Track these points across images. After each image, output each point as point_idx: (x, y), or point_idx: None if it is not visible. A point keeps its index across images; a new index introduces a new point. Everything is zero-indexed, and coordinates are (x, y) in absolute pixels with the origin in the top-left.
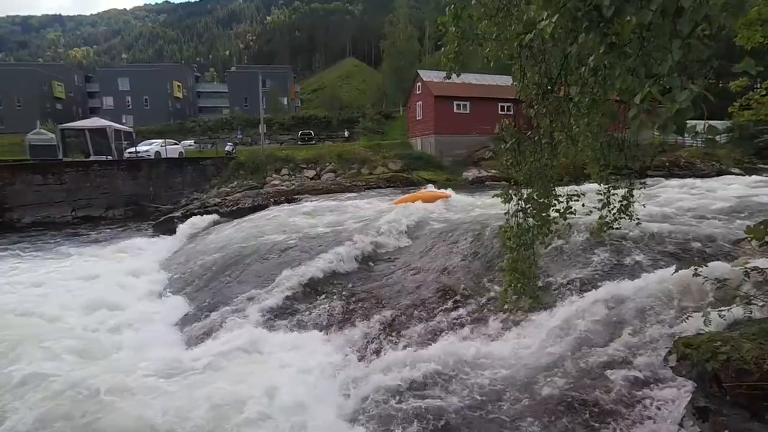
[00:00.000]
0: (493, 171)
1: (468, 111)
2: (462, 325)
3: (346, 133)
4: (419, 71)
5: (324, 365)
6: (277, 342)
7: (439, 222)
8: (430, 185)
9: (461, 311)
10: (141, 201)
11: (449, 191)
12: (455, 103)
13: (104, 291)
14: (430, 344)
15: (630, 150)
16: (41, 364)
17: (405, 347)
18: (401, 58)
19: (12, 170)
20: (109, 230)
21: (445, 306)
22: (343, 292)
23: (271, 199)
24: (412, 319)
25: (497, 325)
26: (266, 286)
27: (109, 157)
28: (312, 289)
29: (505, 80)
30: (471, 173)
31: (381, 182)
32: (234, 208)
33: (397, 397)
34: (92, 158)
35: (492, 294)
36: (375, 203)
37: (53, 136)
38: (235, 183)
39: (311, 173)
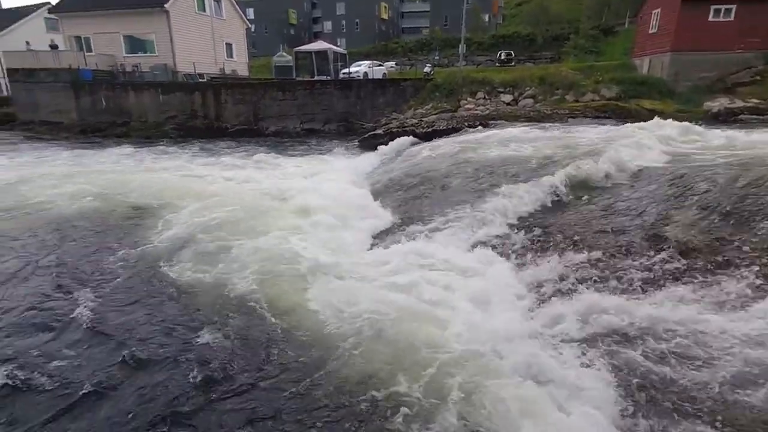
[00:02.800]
0: (755, 100)
1: (732, 17)
2: (679, 282)
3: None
4: None
5: (507, 295)
6: (460, 262)
7: (671, 159)
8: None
9: (681, 266)
10: (350, 118)
11: None
12: (713, 7)
13: (319, 197)
14: (636, 295)
15: None
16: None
17: (602, 293)
18: None
19: (264, 87)
20: (327, 141)
21: (659, 257)
22: (537, 224)
23: (465, 123)
24: (613, 264)
25: (738, 290)
26: (458, 209)
27: (329, 78)
28: (505, 217)
29: None
30: (717, 103)
31: (588, 111)
32: (429, 129)
33: (586, 346)
34: (316, 78)
35: (735, 254)
36: (580, 133)
37: (290, 58)
38: (430, 105)
39: (508, 98)
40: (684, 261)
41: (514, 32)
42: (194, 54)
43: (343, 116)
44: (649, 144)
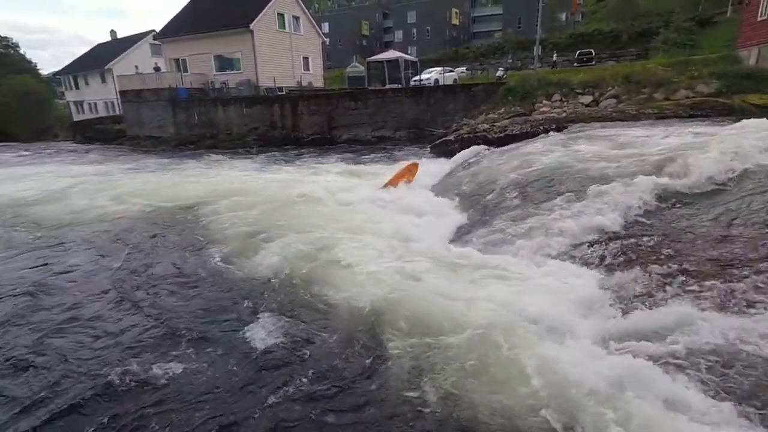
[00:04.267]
0: None
1: None
2: None
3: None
4: None
5: (583, 301)
6: (536, 268)
7: None
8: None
9: None
10: (420, 124)
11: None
12: None
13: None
14: (729, 312)
15: None
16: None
17: (690, 306)
18: None
19: (338, 98)
20: (398, 149)
21: (760, 267)
22: (621, 232)
23: (541, 127)
24: (704, 277)
25: None
26: (534, 215)
27: (400, 85)
28: (586, 226)
29: None
30: None
31: (681, 110)
32: (501, 134)
33: (660, 362)
34: (387, 86)
35: None
36: (669, 134)
37: (363, 68)
38: (503, 109)
39: (587, 99)
40: None
41: (595, 29)
42: (274, 69)
43: (414, 123)
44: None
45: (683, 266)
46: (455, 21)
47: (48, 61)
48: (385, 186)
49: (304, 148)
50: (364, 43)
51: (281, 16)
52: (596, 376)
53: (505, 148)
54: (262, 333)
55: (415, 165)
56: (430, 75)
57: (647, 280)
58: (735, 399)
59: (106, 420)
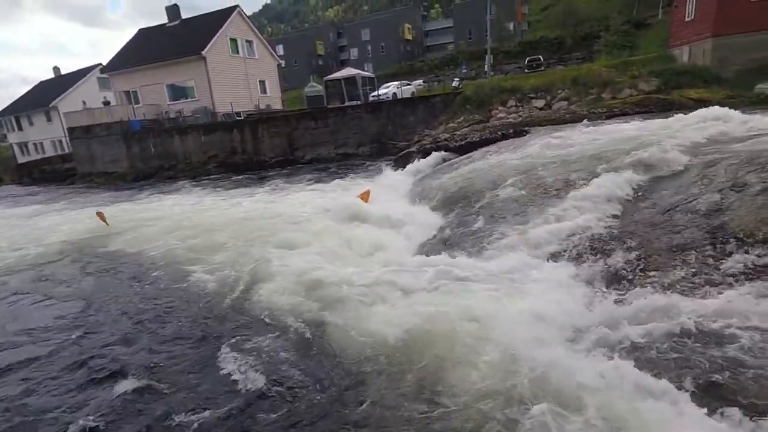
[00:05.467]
0: None
1: None
2: (747, 278)
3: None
4: None
5: (565, 297)
6: (517, 267)
7: (730, 145)
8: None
9: (745, 259)
10: (382, 139)
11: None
12: None
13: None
14: (698, 296)
15: None
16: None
17: (663, 293)
18: None
19: (297, 118)
20: (360, 163)
21: (719, 251)
22: (588, 223)
23: (499, 132)
24: (671, 262)
25: None
26: (507, 215)
27: (359, 102)
28: (556, 220)
29: None
30: None
31: (627, 108)
32: (462, 142)
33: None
34: (346, 104)
35: None
36: (622, 127)
37: (320, 87)
38: (462, 118)
39: (540, 103)
40: (748, 256)
41: (541, 37)
42: (231, 94)
43: (376, 138)
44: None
45: (642, 251)
46: (408, 36)
47: None
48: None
49: (268, 171)
50: (320, 62)
51: (234, 41)
52: (584, 373)
53: (466, 155)
54: (235, 360)
55: (368, 192)
56: (388, 89)
57: (618, 266)
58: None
59: None
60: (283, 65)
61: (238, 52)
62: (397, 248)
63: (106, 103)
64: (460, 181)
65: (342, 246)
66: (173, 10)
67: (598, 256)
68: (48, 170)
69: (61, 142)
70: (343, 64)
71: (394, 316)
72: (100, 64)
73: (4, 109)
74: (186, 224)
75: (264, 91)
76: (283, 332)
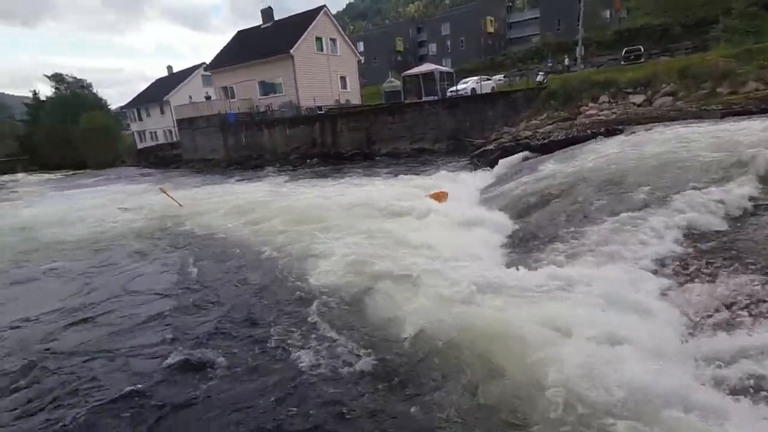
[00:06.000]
0: None
1: None
2: None
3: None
4: None
5: (658, 319)
6: (600, 282)
7: None
8: None
9: None
10: (458, 135)
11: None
12: None
13: (437, 211)
14: None
15: None
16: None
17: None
18: None
19: (375, 113)
20: (436, 160)
21: None
22: (686, 240)
23: (588, 131)
24: None
25: None
26: (592, 224)
27: (436, 97)
28: (650, 233)
29: None
30: None
31: (751, 104)
32: (545, 141)
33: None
34: (424, 99)
35: None
36: (743, 131)
37: (398, 83)
38: (545, 115)
39: (639, 99)
40: None
41: (643, 24)
42: (314, 89)
43: (452, 134)
44: None
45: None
46: (490, 29)
47: (115, 98)
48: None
49: (345, 163)
50: (399, 58)
51: (319, 39)
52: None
53: (550, 154)
54: (305, 344)
55: (444, 193)
56: (467, 85)
57: (725, 294)
58: None
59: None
60: (362, 61)
61: (322, 50)
62: (471, 250)
63: (208, 98)
64: (544, 182)
65: (415, 243)
66: (267, 13)
67: (706, 277)
68: (160, 155)
69: (171, 131)
70: (422, 59)
71: (464, 315)
72: (204, 63)
73: (128, 103)
74: (270, 208)
75: (344, 86)
76: (346, 316)
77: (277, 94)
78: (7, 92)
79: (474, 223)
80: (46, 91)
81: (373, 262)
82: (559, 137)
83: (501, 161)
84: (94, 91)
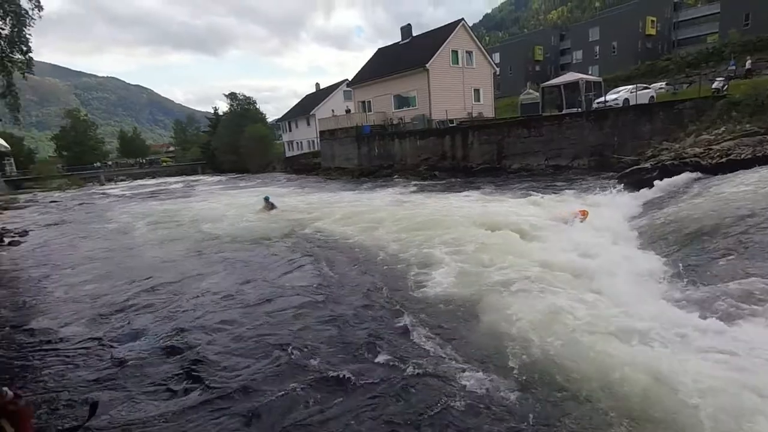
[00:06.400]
0: None
1: None
2: None
3: None
4: None
5: None
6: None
7: None
8: None
9: None
10: (604, 151)
11: None
12: None
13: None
14: None
15: None
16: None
17: None
18: None
19: (508, 126)
20: (574, 178)
21: None
22: None
23: None
24: None
25: None
26: None
27: (579, 109)
28: None
29: None
30: None
31: None
32: (722, 159)
33: None
34: (564, 111)
35: None
36: None
37: (537, 94)
38: (723, 129)
39: None
40: None
41: None
42: (447, 102)
43: (596, 150)
44: None
45: None
46: (650, 30)
47: (272, 112)
48: (559, 218)
49: (474, 177)
50: (537, 68)
51: (455, 52)
52: None
53: (732, 176)
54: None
55: (585, 212)
56: (618, 95)
57: None
58: None
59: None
60: (497, 73)
61: (457, 63)
62: (613, 282)
63: (347, 111)
64: (726, 208)
65: (550, 265)
66: (406, 30)
67: None
68: (302, 162)
69: (313, 141)
70: (563, 68)
71: (593, 351)
72: (347, 79)
73: (282, 117)
74: (398, 216)
75: (477, 99)
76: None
77: (410, 107)
78: (197, 109)
79: (624, 251)
80: (223, 107)
81: (504, 289)
82: (743, 155)
83: (659, 182)
84: (257, 106)
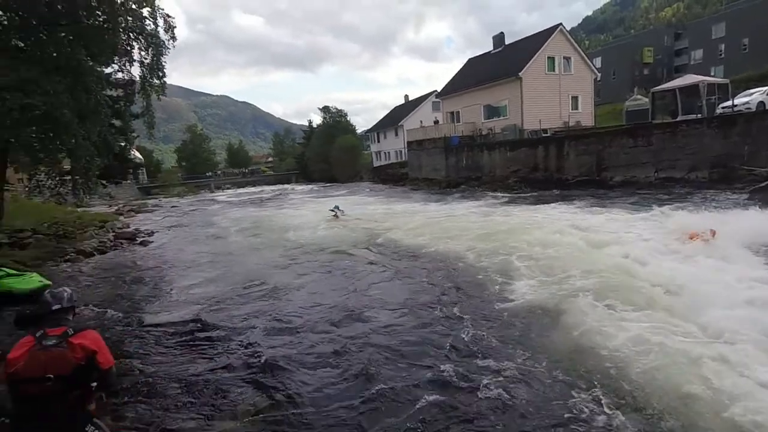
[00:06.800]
0: None
1: None
2: None
3: None
4: None
5: None
6: None
7: None
8: None
9: None
10: (730, 162)
11: None
12: None
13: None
14: None
15: None
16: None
17: None
18: None
19: (611, 135)
20: (691, 192)
21: None
22: None
23: None
24: None
25: None
26: None
27: (699, 115)
28: None
29: None
30: None
31: None
32: None
33: None
34: (680, 118)
35: None
36: None
37: (646, 100)
38: None
39: None
40: None
41: None
42: (541, 111)
43: (720, 161)
44: None
45: None
46: None
47: (361, 123)
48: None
49: (569, 190)
50: (645, 72)
51: (551, 59)
52: None
53: None
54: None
55: (713, 232)
56: (751, 98)
57: None
58: None
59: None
60: (598, 78)
61: (554, 70)
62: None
63: (436, 122)
64: None
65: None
66: (498, 38)
67: None
68: (390, 172)
69: (400, 152)
70: (678, 71)
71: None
72: (435, 90)
73: (371, 128)
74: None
75: (575, 107)
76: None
77: (500, 117)
78: (293, 122)
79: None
80: (317, 120)
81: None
82: None
83: None
84: (348, 118)
